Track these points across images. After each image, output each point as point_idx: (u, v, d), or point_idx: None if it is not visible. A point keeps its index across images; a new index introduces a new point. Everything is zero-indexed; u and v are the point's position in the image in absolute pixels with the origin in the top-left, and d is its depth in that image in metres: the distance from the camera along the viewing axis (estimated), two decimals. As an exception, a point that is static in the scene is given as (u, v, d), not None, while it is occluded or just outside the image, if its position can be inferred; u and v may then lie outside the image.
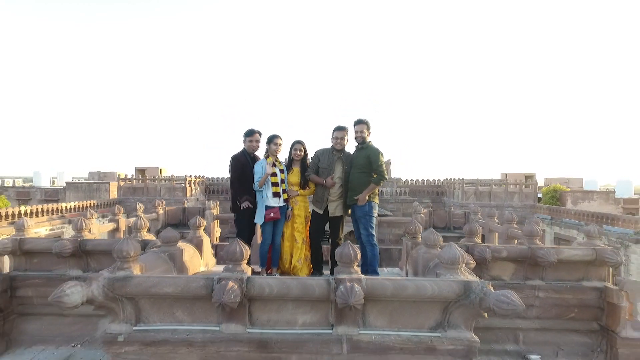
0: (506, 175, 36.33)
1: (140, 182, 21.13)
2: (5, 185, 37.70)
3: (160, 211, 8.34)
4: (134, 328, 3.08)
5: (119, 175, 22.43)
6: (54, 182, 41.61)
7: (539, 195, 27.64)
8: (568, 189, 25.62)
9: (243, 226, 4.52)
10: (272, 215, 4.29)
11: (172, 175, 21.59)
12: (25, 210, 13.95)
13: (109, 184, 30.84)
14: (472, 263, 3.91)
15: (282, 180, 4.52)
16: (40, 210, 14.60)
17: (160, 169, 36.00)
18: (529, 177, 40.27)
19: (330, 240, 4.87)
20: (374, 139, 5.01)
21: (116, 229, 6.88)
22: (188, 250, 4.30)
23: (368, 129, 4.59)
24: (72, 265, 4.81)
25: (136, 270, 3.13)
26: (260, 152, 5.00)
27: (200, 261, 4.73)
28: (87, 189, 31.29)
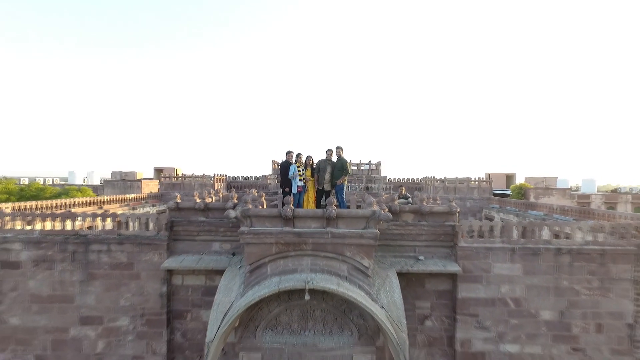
0: (489, 174, 41.26)
1: (178, 179, 26.35)
2: (46, 183, 43.00)
3: (221, 194, 13.41)
4: (250, 229, 8.08)
5: (163, 173, 27.47)
6: (84, 180, 46.84)
7: (509, 192, 32.46)
8: (531, 186, 30.43)
9: (285, 195, 9.58)
10: (299, 189, 9.33)
11: (203, 174, 26.78)
12: (105, 199, 19.06)
13: (140, 181, 36.22)
14: (386, 209, 8.89)
15: (303, 174, 9.55)
16: (113, 199, 19.70)
17: (176, 169, 41.15)
18: (510, 176, 45.32)
19: (325, 201, 9.91)
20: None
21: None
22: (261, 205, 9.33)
23: (342, 150, 9.63)
24: (200, 215, 9.81)
25: (250, 206, 8.15)
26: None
27: (263, 213, 9.75)
28: (122, 186, 36.64)
